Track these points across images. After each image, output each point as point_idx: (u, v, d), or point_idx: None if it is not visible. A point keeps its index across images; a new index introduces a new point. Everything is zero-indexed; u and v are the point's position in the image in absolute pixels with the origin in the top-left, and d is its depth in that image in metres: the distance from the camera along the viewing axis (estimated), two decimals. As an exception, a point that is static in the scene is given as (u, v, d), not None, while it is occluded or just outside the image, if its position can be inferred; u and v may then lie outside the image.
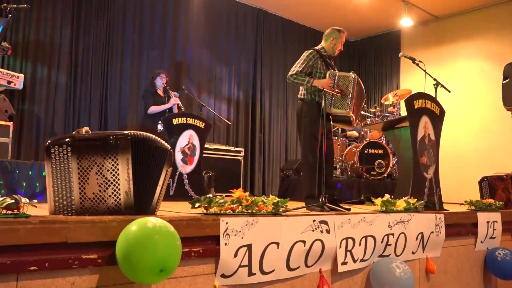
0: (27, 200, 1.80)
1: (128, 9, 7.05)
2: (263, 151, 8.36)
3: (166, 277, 1.85)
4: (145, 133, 2.23)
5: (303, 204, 3.71)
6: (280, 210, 2.59)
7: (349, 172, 6.28)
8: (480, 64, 8.10)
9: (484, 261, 3.87)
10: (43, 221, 1.74)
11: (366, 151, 6.17)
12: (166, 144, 2.32)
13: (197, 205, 2.33)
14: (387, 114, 6.82)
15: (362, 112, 6.47)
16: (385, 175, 6.08)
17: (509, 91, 6.57)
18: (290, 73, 4.10)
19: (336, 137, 6.44)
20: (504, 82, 6.65)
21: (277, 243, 2.45)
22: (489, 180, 4.82)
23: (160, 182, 2.28)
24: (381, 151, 6.14)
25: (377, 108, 6.83)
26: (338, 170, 6.42)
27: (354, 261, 2.83)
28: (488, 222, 3.86)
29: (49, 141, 2.07)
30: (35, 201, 1.85)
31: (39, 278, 1.71)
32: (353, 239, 2.84)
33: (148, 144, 2.22)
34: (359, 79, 4.06)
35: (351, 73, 3.98)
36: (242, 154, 6.78)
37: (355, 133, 6.99)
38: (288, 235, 2.50)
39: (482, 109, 7.72)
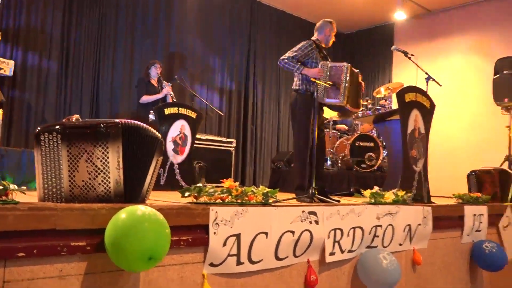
0: (16, 187, 1.80)
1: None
2: (254, 143, 8.38)
3: (154, 265, 1.87)
4: (136, 122, 2.23)
5: (293, 195, 3.74)
6: (270, 200, 2.61)
7: (339, 164, 6.31)
8: (472, 59, 8.14)
9: (471, 253, 3.92)
10: (32, 208, 1.74)
11: (357, 144, 6.21)
12: (156, 133, 2.32)
13: (187, 194, 2.35)
14: (379, 107, 6.84)
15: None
16: (375, 167, 6.11)
17: (500, 86, 6.64)
18: (282, 57, 4.10)
19: (328, 130, 6.46)
20: (495, 77, 6.72)
21: (266, 233, 2.46)
22: (476, 174, 4.87)
23: (150, 171, 2.28)
24: (372, 144, 6.17)
25: (369, 101, 6.84)
26: (329, 162, 6.45)
27: (342, 251, 2.86)
28: (474, 215, 3.91)
29: (39, 128, 2.07)
30: (24, 188, 1.85)
31: (27, 265, 1.72)
32: (342, 230, 2.87)
33: (139, 133, 2.21)
34: (353, 68, 4.04)
35: (344, 63, 3.98)
36: (234, 145, 6.80)
37: (344, 126, 7.02)
38: (277, 225, 2.52)
39: (473, 104, 7.77)
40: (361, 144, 6.24)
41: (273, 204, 2.60)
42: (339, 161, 6.30)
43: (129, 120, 2.21)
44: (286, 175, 6.32)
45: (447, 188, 4.88)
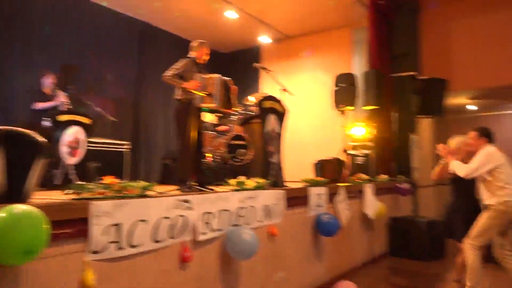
0: None
1: (18, 13, 6.28)
2: (147, 144, 8.11)
3: (33, 258, 1.71)
4: (17, 128, 2.04)
5: (176, 187, 3.69)
6: (148, 192, 2.55)
7: (218, 160, 6.36)
8: (319, 75, 8.74)
9: (314, 224, 4.19)
10: None
11: (231, 142, 6.32)
12: (39, 137, 2.13)
13: (68, 191, 2.19)
14: (249, 113, 7.03)
15: (231, 111, 6.58)
16: (246, 161, 6.28)
17: (338, 96, 7.22)
18: (165, 73, 4.07)
19: (207, 131, 6.48)
20: (335, 89, 7.30)
21: (145, 220, 2.40)
22: (320, 162, 5.26)
23: (32, 172, 2.09)
24: (243, 142, 6.33)
25: (241, 107, 7.00)
26: (210, 158, 6.48)
27: (212, 231, 2.89)
28: (317, 194, 4.20)
29: None
30: None
31: None
32: (211, 213, 2.90)
33: (20, 138, 2.03)
34: (224, 78, 4.15)
35: (216, 74, 4.07)
36: (127, 146, 6.50)
37: (224, 127, 7.10)
38: (155, 213, 2.47)
39: (318, 109, 8.35)
40: (235, 142, 6.37)
41: (150, 195, 2.54)
42: (217, 157, 6.36)
43: (11, 127, 2.01)
44: (174, 171, 6.21)
45: (300, 174, 5.12)
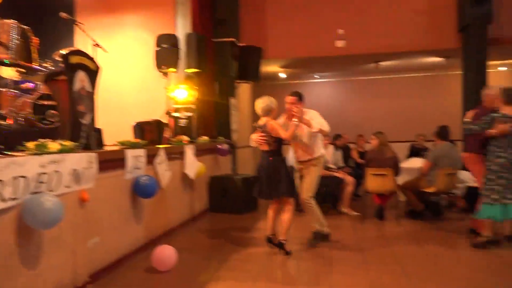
0: None
1: None
2: None
3: None
4: None
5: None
6: None
7: (21, 122, 5.53)
8: (142, 34, 8.29)
9: (132, 186, 4.09)
10: None
11: (39, 103, 5.56)
12: None
13: None
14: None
15: (36, 66, 5.74)
16: (58, 124, 5.63)
17: (160, 57, 7.08)
18: None
19: (7, 89, 5.52)
20: (156, 49, 7.10)
21: None
22: (139, 124, 5.12)
23: None
24: (54, 103, 5.63)
25: (50, 63, 6.17)
26: (11, 121, 5.57)
27: (3, 201, 2.51)
28: (134, 157, 4.08)
29: None
30: None
31: None
32: (2, 181, 2.51)
33: None
34: (23, 26, 3.59)
35: (10, 20, 3.49)
36: None
37: (30, 85, 6.17)
38: None
39: (141, 70, 7.98)
40: (44, 103, 5.62)
41: None
42: (21, 119, 5.51)
43: None
44: (-39, 136, 5.14)
45: (123, 137, 4.85)
